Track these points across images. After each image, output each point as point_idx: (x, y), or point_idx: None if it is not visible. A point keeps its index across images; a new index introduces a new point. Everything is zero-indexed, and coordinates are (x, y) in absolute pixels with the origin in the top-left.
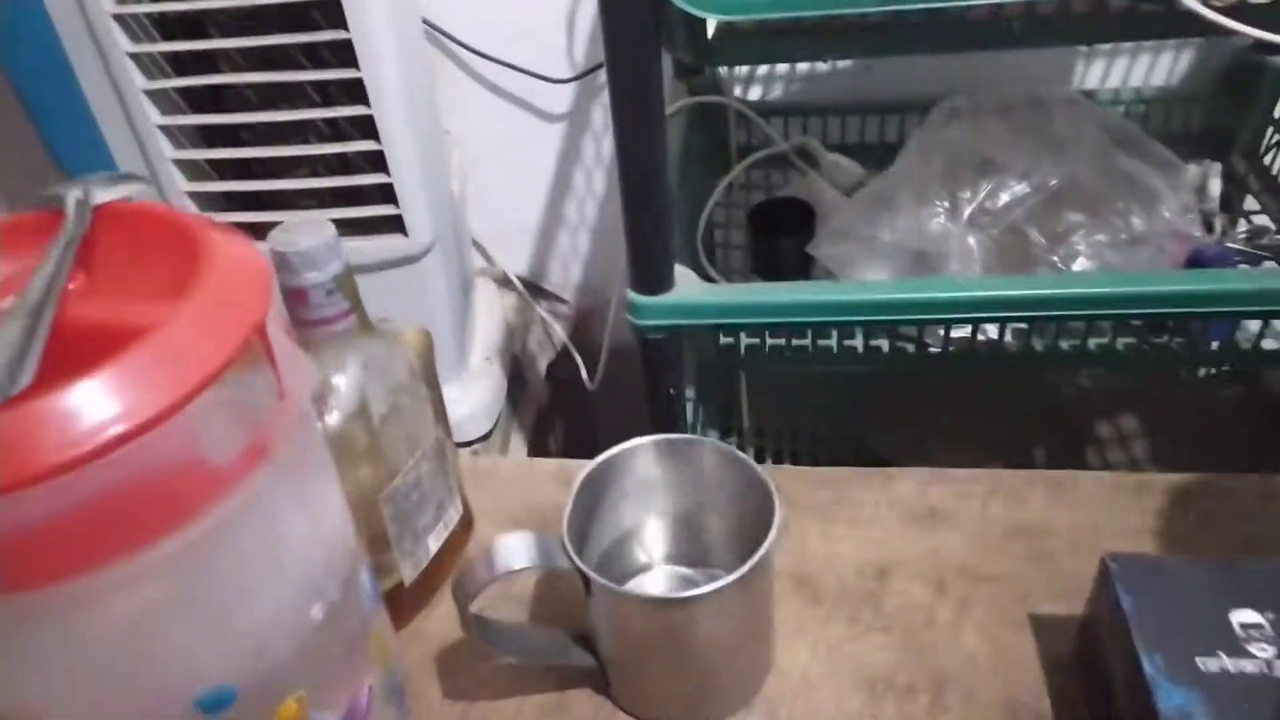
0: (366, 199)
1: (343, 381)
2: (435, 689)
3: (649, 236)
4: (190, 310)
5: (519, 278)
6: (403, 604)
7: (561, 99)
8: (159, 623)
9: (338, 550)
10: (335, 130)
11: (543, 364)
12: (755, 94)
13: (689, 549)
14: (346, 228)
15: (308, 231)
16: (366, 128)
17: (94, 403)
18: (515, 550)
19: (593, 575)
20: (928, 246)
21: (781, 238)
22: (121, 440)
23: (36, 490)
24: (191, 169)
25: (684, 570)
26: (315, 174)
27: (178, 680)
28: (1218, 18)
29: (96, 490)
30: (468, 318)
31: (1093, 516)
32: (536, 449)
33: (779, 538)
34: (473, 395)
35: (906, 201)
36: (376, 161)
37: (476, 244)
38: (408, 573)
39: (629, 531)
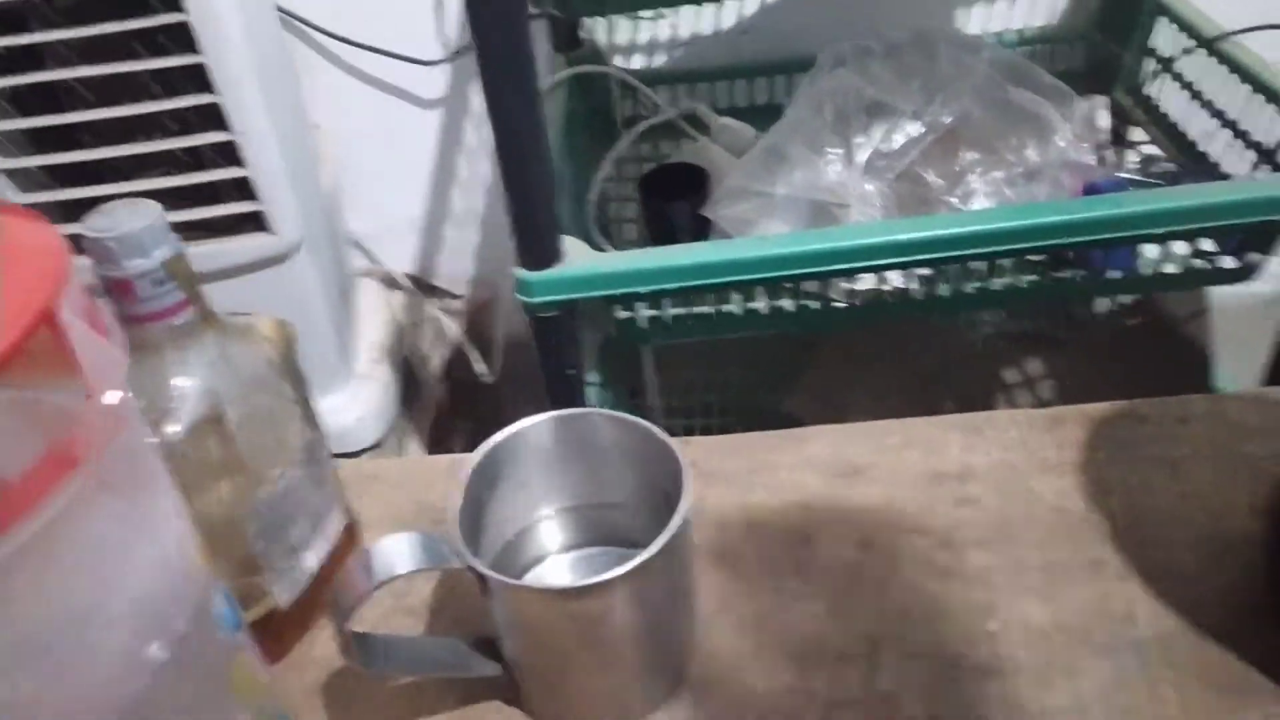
0: (223, 196)
1: (186, 383)
2: None
3: (531, 207)
4: None
5: (406, 275)
6: (281, 631)
7: (436, 83)
8: None
9: (181, 574)
10: (186, 126)
11: (438, 363)
12: (638, 63)
13: (598, 533)
14: (205, 230)
15: (129, 214)
16: (216, 119)
17: None
18: (395, 553)
19: (485, 570)
20: (825, 196)
21: (673, 202)
22: None
23: None
24: (25, 178)
25: (594, 555)
26: (168, 174)
27: None
28: None
29: None
30: (350, 320)
31: (1010, 456)
32: (437, 453)
33: (691, 508)
34: (360, 401)
35: (800, 153)
36: (230, 154)
37: (358, 244)
38: (284, 595)
39: (530, 522)
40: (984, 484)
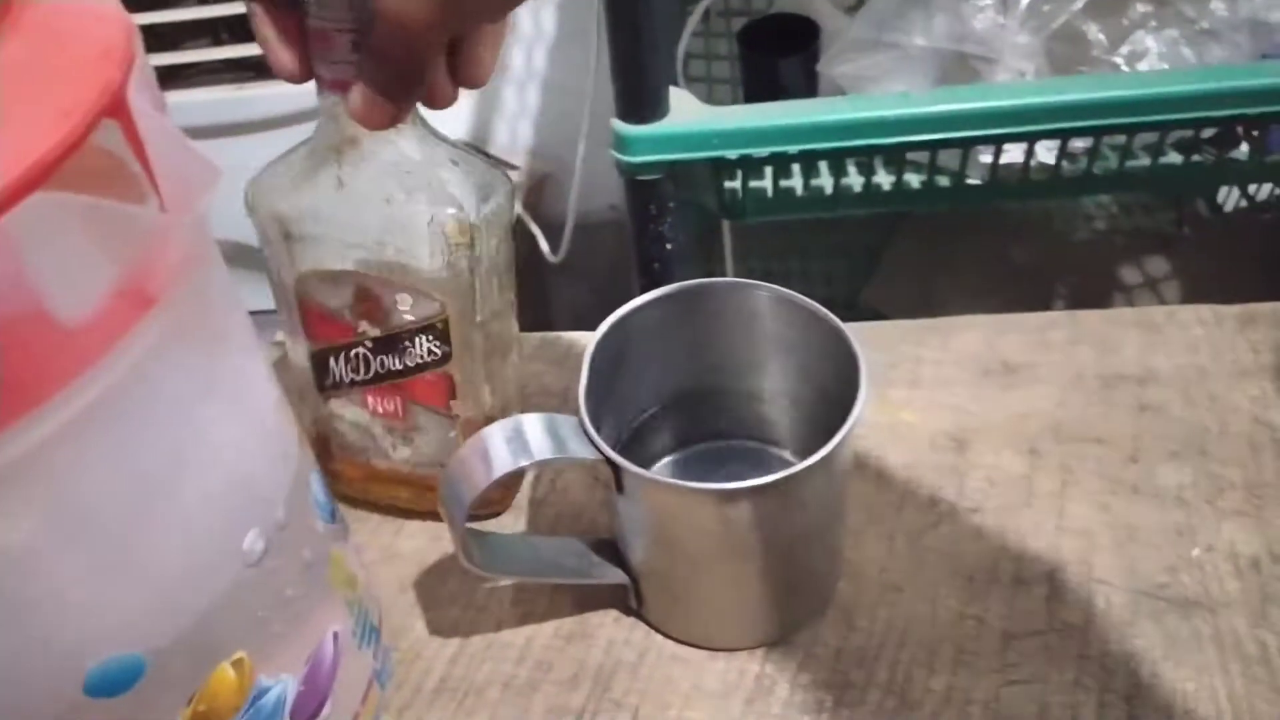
0: None
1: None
2: (419, 624)
3: (638, 47)
4: None
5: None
6: None
7: None
8: (11, 574)
9: (277, 452)
10: None
11: None
12: None
13: (723, 426)
14: (253, 71)
15: None
16: None
17: None
18: (523, 439)
19: (627, 465)
20: (974, 49)
21: (782, 58)
22: None
23: None
24: None
25: (720, 451)
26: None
27: (52, 658)
28: None
29: None
30: None
31: (1196, 358)
32: None
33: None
34: None
35: None
36: None
37: None
38: None
39: (652, 409)
40: (1169, 389)
